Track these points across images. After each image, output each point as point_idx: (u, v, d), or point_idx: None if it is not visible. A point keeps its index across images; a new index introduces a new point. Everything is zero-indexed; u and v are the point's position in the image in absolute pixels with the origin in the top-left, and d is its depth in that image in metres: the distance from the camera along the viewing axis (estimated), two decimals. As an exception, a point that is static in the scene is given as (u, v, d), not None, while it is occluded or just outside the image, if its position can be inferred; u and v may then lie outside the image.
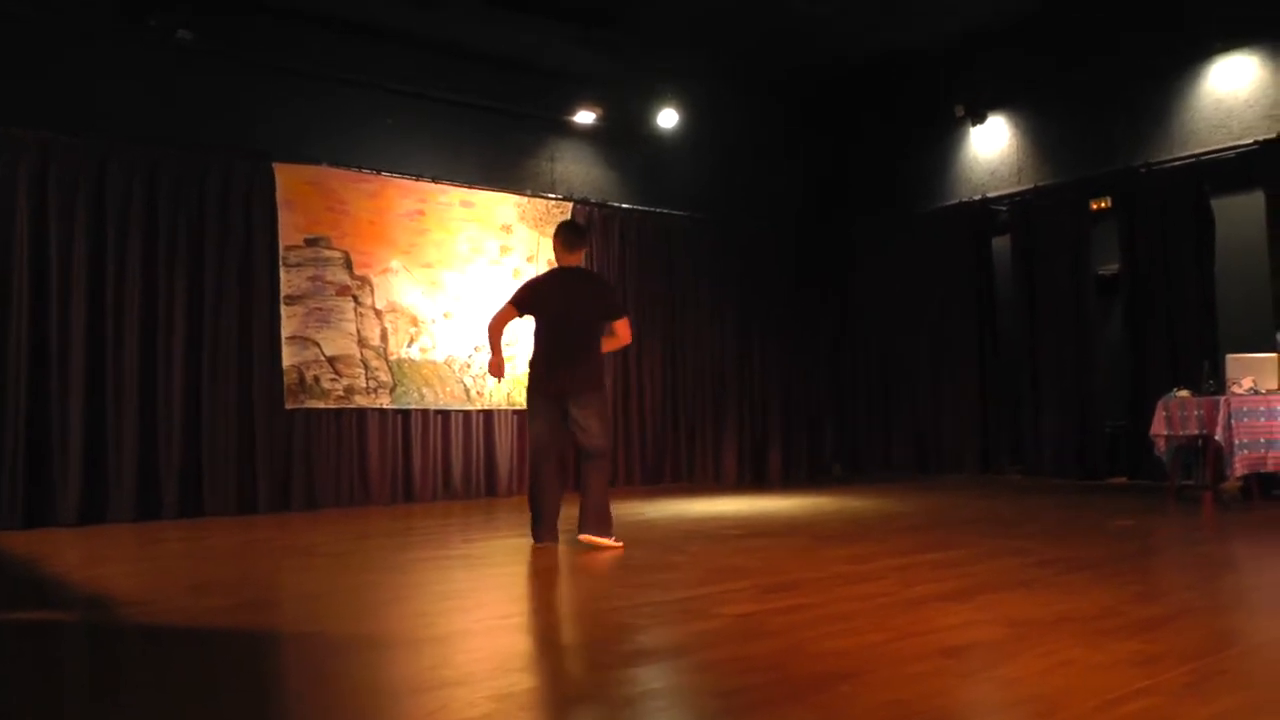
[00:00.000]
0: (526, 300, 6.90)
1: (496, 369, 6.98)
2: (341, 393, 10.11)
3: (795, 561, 5.86)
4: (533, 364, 6.88)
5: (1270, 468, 8.21)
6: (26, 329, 8.65)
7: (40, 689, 3.41)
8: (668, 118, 12.35)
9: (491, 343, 7.01)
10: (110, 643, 4.24)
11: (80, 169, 8.97)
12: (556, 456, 6.72)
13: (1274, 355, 8.53)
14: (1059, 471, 11.36)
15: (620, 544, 6.52)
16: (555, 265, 7.18)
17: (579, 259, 7.11)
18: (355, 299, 10.28)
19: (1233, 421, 8.16)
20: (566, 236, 7.05)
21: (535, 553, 6.46)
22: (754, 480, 13.00)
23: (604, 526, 6.53)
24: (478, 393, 10.99)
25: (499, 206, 11.35)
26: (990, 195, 12.35)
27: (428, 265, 10.79)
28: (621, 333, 6.89)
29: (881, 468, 13.41)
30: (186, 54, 9.51)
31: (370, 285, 10.39)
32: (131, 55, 9.36)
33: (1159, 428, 8.87)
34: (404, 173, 10.77)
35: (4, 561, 6.76)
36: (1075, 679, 3.11)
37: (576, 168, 12.24)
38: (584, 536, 6.51)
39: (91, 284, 8.99)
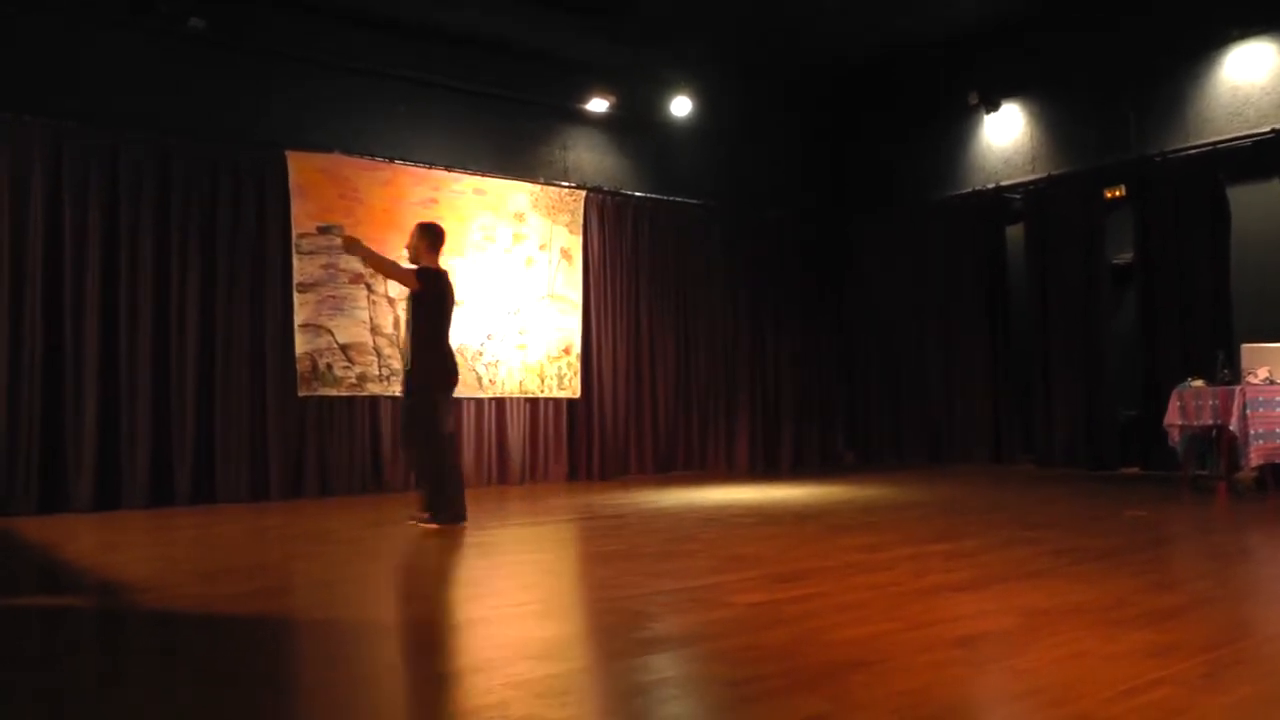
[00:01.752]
0: (436, 288, 7.14)
1: (353, 243, 7.28)
2: (354, 380, 10.13)
3: (807, 550, 5.86)
4: (443, 363, 7.13)
5: (1285, 458, 8.19)
6: (41, 316, 8.69)
7: (52, 674, 3.42)
8: (681, 106, 12.33)
9: (379, 262, 7.39)
10: (122, 629, 4.26)
11: (93, 158, 8.99)
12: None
13: (1289, 345, 8.51)
14: (1071, 461, 11.34)
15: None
16: (428, 262, 7.25)
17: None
18: (368, 286, 10.29)
19: (1248, 411, 8.13)
20: (436, 237, 7.36)
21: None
22: (766, 468, 12.99)
23: None
24: (490, 381, 11.00)
25: (512, 195, 11.35)
26: (1004, 184, 12.31)
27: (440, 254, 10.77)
28: None
29: (893, 457, 13.40)
30: (199, 42, 9.52)
31: (383, 273, 10.40)
32: (144, 43, 9.37)
33: (1173, 417, 8.85)
34: (417, 161, 10.77)
35: (19, 547, 6.79)
36: (1089, 669, 3.11)
37: (589, 156, 12.23)
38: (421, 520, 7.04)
39: (105, 271, 9.02)
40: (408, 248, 7.36)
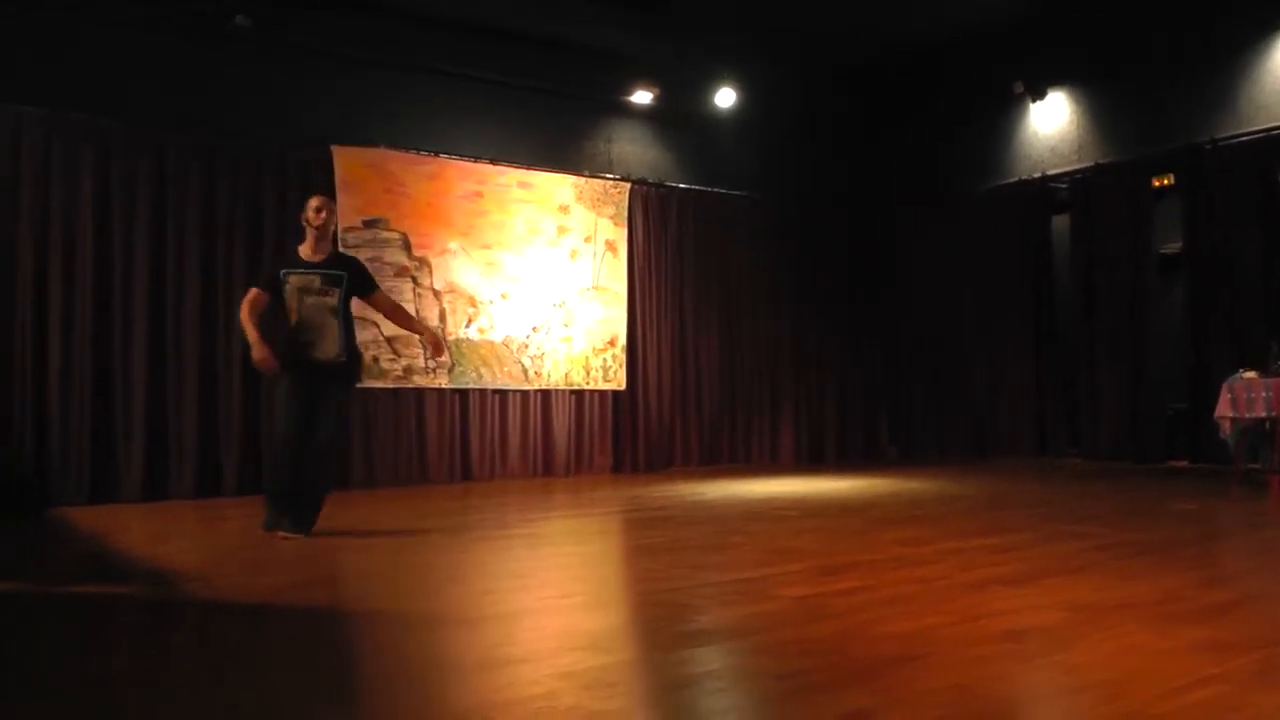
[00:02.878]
0: None
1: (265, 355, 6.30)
2: (400, 373, 10.20)
3: (853, 543, 5.84)
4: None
5: (1340, 451, 8.06)
6: (91, 312, 8.83)
7: (103, 662, 3.48)
8: (725, 97, 12.30)
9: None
10: (172, 618, 4.32)
11: (141, 155, 9.11)
12: None
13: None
14: (1117, 454, 11.21)
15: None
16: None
17: None
18: (414, 280, 10.35)
19: (1302, 404, 8.00)
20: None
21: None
22: (810, 461, 12.96)
23: None
24: (535, 373, 11.04)
25: (556, 187, 11.38)
26: (1050, 173, 12.18)
27: (486, 246, 10.84)
28: None
29: (936, 450, 13.31)
30: (244, 39, 9.59)
31: (429, 266, 10.46)
32: (190, 41, 9.45)
33: (1224, 410, 8.72)
34: (462, 154, 10.82)
35: (70, 536, 6.90)
36: (1140, 665, 3.08)
37: (633, 148, 12.23)
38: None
39: (153, 267, 9.14)
40: (321, 221, 6.50)
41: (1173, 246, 11.17)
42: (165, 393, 9.13)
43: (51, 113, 8.75)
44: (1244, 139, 10.29)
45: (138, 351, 9.00)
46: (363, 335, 9.79)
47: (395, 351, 10.17)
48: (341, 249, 6.89)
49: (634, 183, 12.01)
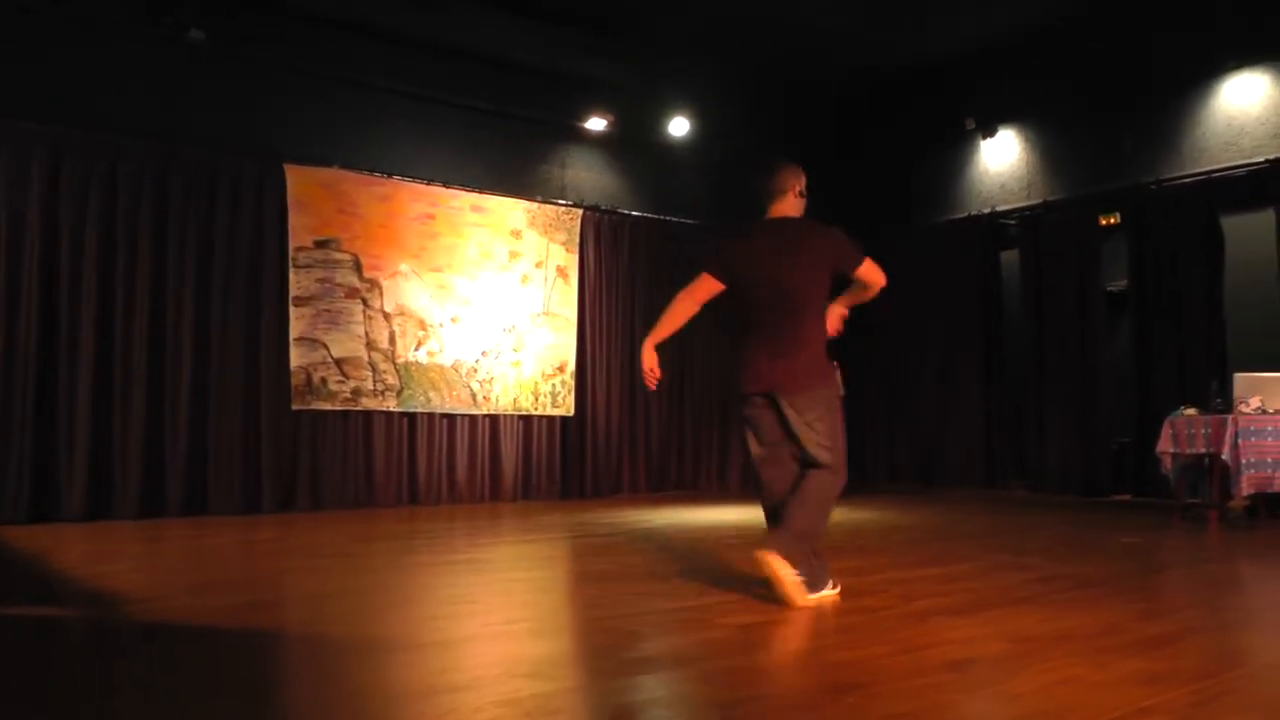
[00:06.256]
0: (728, 263, 5.52)
1: (652, 375, 5.59)
2: (348, 395, 10.13)
3: (799, 572, 5.84)
4: (737, 355, 5.59)
5: (1277, 488, 8.18)
6: (35, 325, 8.68)
7: (38, 686, 3.41)
8: (679, 125, 12.37)
9: (668, 324, 5.76)
10: (111, 641, 4.24)
11: (92, 166, 9.00)
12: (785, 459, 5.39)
13: (1282, 375, 8.52)
14: (1064, 488, 11.34)
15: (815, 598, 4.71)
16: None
17: (785, 207, 5.66)
18: (364, 301, 10.29)
19: (1239, 440, 8.13)
20: (761, 184, 5.75)
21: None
22: (758, 489, 12.94)
23: (791, 553, 4.64)
24: (484, 397, 11.00)
25: (509, 212, 11.37)
26: (999, 209, 12.35)
27: (437, 269, 10.80)
28: (869, 278, 5.57)
29: (885, 480, 13.40)
30: (199, 53, 9.53)
31: (379, 288, 10.41)
32: (144, 53, 9.38)
33: (1165, 445, 8.85)
34: (415, 176, 10.79)
35: (8, 556, 6.76)
36: (1078, 696, 3.11)
37: (587, 174, 12.25)
38: (766, 555, 4.61)
39: (101, 281, 9.01)
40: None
41: (1120, 283, 11.34)
42: (111, 409, 8.99)
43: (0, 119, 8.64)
44: (1187, 180, 10.49)
45: (83, 366, 8.85)
46: (311, 356, 9.81)
47: (344, 373, 10.10)
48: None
49: (586, 209, 12.03)
